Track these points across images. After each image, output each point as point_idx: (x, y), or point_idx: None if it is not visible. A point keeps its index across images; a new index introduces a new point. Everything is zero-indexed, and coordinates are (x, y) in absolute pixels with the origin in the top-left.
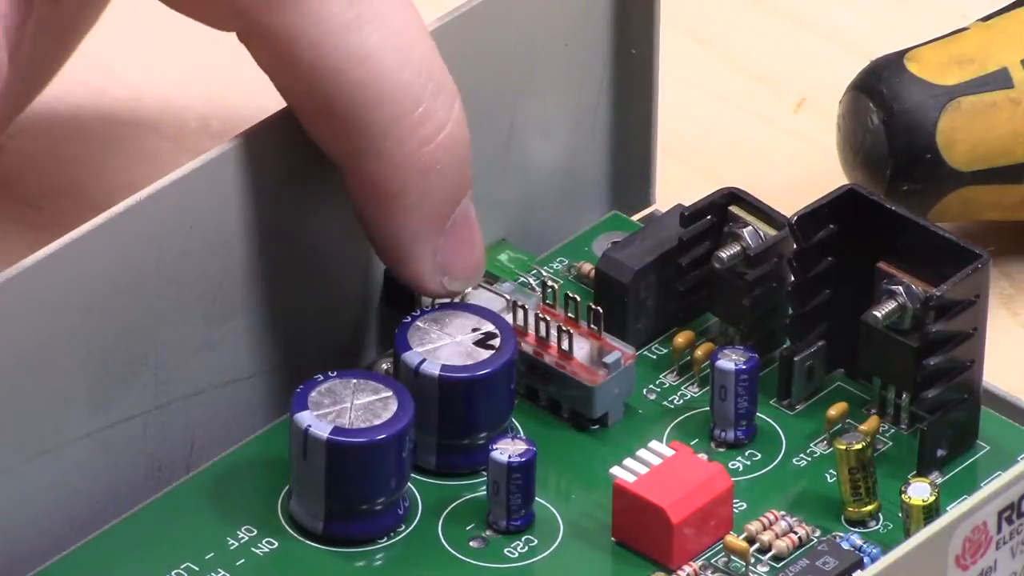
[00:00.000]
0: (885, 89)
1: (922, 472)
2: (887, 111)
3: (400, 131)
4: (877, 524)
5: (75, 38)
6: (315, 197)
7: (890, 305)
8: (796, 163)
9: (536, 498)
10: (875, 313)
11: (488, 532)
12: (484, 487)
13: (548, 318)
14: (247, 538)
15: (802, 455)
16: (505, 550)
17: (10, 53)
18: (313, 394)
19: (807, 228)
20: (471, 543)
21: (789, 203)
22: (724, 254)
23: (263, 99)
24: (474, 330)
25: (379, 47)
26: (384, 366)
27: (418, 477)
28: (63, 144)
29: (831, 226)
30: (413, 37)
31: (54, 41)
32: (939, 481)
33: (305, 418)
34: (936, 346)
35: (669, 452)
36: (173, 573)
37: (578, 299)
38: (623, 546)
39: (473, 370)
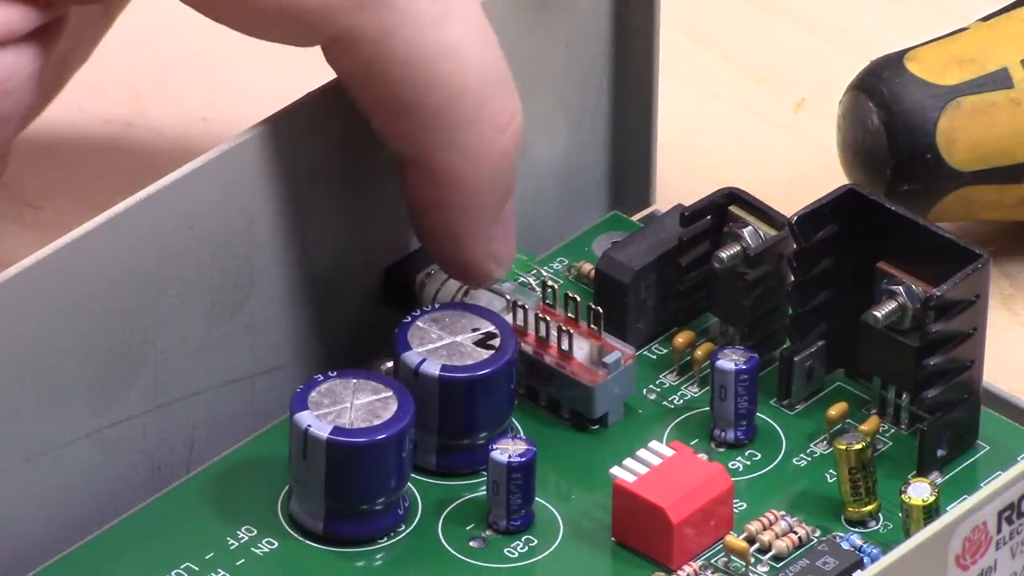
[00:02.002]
0: (885, 89)
1: (922, 472)
2: (887, 111)
3: (482, 122)
4: (877, 524)
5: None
6: (315, 196)
7: (890, 305)
8: (796, 163)
9: (536, 498)
10: (875, 313)
11: (488, 532)
12: (484, 487)
13: (548, 318)
14: (247, 538)
15: (802, 455)
16: (505, 550)
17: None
18: (313, 394)
19: (807, 228)
20: (471, 543)
21: (789, 203)
22: (724, 254)
23: (263, 99)
24: (474, 330)
25: (463, 39)
26: (384, 366)
27: (418, 477)
28: (63, 144)
29: (831, 226)
30: (486, 30)
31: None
32: (939, 481)
33: (305, 418)
34: (936, 346)
35: (669, 452)
36: (173, 573)
37: (578, 299)
38: (623, 546)
39: (473, 370)
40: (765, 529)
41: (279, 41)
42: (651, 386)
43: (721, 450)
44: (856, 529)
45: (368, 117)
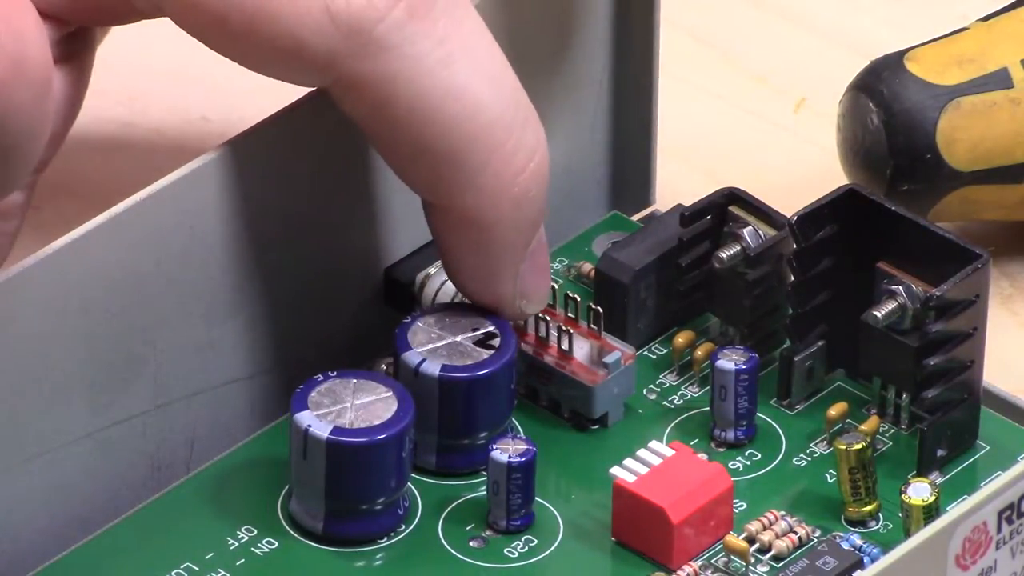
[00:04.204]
0: (885, 89)
1: (922, 472)
2: (887, 111)
3: (496, 163)
4: (877, 524)
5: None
6: (315, 196)
7: (890, 305)
8: (796, 163)
9: (536, 498)
10: (875, 313)
11: (488, 532)
12: (484, 487)
13: (548, 318)
14: (247, 538)
15: (802, 455)
16: (505, 550)
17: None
18: (313, 394)
19: (807, 228)
20: (471, 543)
21: (789, 203)
22: (724, 254)
23: (263, 99)
24: (474, 330)
25: (471, 81)
26: (384, 366)
27: (418, 477)
28: (63, 144)
29: (831, 226)
30: (500, 68)
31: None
32: (939, 481)
33: (305, 418)
34: (936, 346)
35: (669, 452)
36: (173, 573)
37: (578, 299)
38: (623, 546)
39: (473, 370)
40: (765, 529)
41: (283, 80)
42: (651, 386)
43: (721, 450)
44: (856, 529)
45: (385, 160)
